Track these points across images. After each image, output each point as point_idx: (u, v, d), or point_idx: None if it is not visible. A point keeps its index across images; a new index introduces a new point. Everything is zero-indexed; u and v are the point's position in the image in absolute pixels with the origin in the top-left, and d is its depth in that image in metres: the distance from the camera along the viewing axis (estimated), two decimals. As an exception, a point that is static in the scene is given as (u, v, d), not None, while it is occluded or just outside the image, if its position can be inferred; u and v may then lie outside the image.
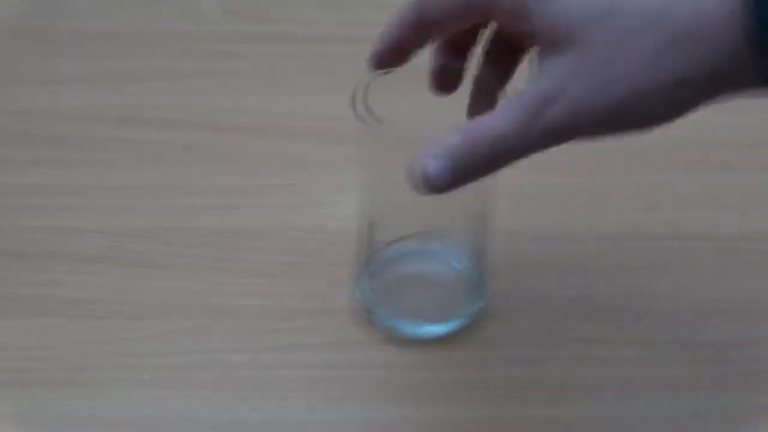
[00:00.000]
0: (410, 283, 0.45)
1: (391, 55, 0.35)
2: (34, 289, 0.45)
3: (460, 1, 0.33)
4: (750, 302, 0.45)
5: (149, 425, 0.38)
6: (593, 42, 0.29)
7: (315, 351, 0.42)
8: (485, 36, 0.37)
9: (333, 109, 0.36)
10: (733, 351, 0.42)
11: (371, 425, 0.39)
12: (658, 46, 0.28)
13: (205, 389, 0.40)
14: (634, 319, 0.44)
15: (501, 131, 0.30)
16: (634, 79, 0.28)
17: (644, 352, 0.42)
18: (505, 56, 0.36)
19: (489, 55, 0.37)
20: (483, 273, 0.43)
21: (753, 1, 0.27)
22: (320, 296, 0.44)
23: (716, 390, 0.40)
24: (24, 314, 0.43)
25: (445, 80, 0.38)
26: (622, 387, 0.40)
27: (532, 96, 0.29)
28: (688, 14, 0.28)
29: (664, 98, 0.29)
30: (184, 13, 0.71)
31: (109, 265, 0.46)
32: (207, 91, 0.61)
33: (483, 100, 0.37)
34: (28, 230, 0.48)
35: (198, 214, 0.50)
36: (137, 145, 0.56)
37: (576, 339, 0.43)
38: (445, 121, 0.32)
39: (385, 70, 0.36)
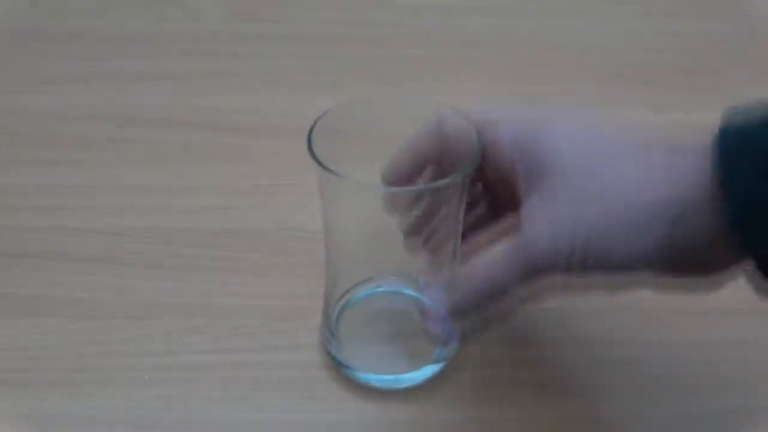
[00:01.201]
0: (377, 331, 0.41)
1: (408, 164, 0.37)
2: (34, 289, 0.45)
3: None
4: (750, 302, 0.45)
5: (149, 425, 0.38)
6: (573, 177, 0.31)
7: (315, 351, 0.42)
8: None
9: (333, 109, 0.36)
10: (733, 351, 0.42)
11: (372, 425, 0.39)
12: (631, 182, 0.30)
13: (205, 389, 0.40)
14: (634, 319, 0.44)
15: (490, 266, 0.32)
16: (603, 206, 0.30)
17: (644, 352, 0.42)
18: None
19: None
20: None
21: (728, 189, 0.28)
22: (320, 296, 0.44)
23: (716, 390, 0.40)
24: (24, 314, 0.43)
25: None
26: (622, 387, 0.40)
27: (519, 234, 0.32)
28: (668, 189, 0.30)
29: (631, 234, 0.30)
30: (184, 13, 0.72)
31: (109, 265, 0.46)
32: (207, 91, 0.61)
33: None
34: (28, 230, 0.48)
35: (198, 214, 0.50)
36: (137, 145, 0.56)
37: (576, 339, 0.43)
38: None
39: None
